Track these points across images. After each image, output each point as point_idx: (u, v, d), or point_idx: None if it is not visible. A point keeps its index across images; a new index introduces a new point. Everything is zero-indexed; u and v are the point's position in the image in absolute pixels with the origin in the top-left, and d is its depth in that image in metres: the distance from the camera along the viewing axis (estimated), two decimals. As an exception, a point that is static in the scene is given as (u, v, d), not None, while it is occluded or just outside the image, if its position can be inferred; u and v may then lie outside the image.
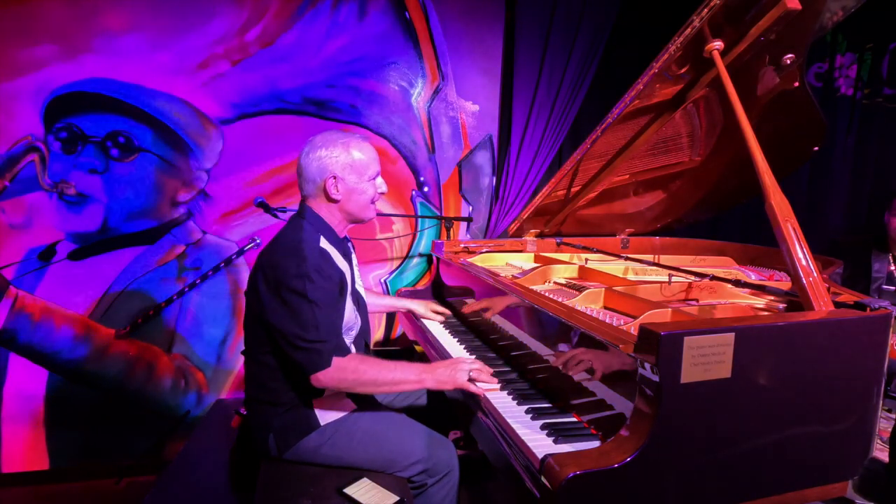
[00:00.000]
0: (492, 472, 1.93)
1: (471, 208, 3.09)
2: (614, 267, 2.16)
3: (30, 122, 2.40)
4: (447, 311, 2.23)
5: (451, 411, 1.78)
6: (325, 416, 1.56)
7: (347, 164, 1.56)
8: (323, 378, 1.43)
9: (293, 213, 1.66)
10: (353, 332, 1.66)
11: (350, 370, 1.45)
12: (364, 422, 1.58)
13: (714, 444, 1.07)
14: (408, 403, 1.93)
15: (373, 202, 1.65)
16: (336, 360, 1.43)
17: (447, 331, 2.09)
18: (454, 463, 1.57)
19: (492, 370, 1.55)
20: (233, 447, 1.80)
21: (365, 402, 1.67)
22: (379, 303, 2.21)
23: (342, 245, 1.66)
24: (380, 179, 1.65)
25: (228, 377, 2.78)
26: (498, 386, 1.50)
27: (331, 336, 1.46)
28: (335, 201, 1.59)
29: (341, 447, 1.54)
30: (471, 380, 1.49)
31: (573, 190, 2.37)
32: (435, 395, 1.92)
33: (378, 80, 2.81)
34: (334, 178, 1.56)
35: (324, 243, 1.55)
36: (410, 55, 2.85)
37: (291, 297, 1.42)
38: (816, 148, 1.98)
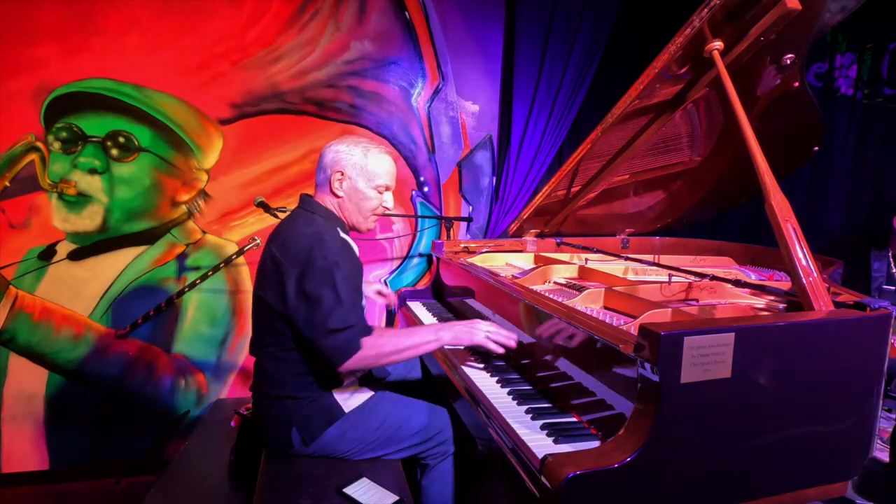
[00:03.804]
0: (491, 471, 1.93)
1: (471, 208, 3.09)
2: (614, 267, 2.16)
3: (30, 122, 2.40)
4: (392, 297, 2.16)
5: (445, 397, 1.78)
6: (348, 404, 1.59)
7: (359, 166, 1.59)
8: (349, 363, 1.44)
9: (296, 208, 1.66)
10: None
11: (370, 346, 1.46)
12: (384, 404, 1.63)
13: (714, 445, 1.07)
14: (401, 376, 1.98)
15: (374, 213, 1.65)
16: (363, 341, 1.45)
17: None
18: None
19: (513, 335, 1.56)
20: (233, 447, 1.80)
21: (380, 387, 1.72)
22: None
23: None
24: (388, 195, 1.66)
25: (228, 377, 2.78)
26: (513, 343, 1.53)
27: (358, 320, 1.47)
28: (337, 197, 1.61)
29: (364, 431, 1.57)
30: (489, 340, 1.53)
31: (573, 190, 2.37)
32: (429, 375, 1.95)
33: (378, 80, 2.81)
34: (341, 173, 1.59)
35: (342, 234, 1.58)
36: (410, 55, 2.85)
37: (322, 288, 1.43)
38: (816, 148, 1.98)
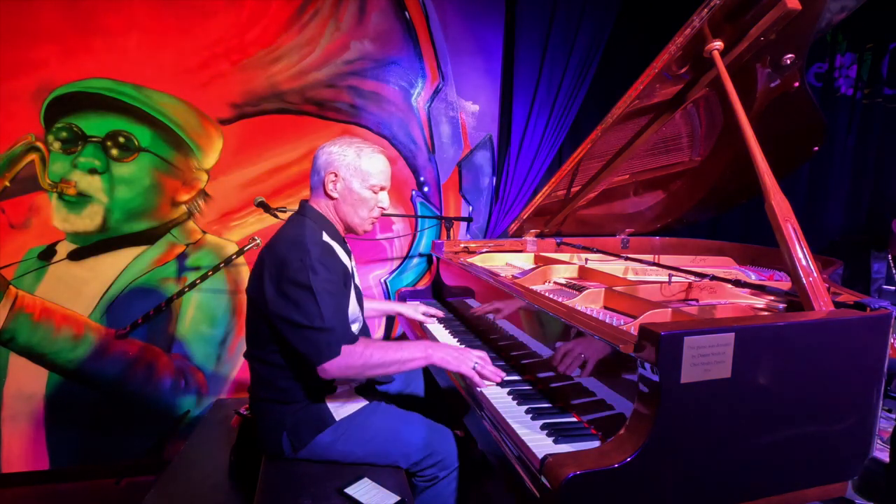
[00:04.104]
0: (492, 472, 1.93)
1: (471, 208, 3.09)
2: (614, 267, 2.16)
3: (30, 122, 2.40)
4: (439, 313, 2.18)
5: (451, 410, 1.78)
6: (339, 412, 1.57)
7: (353, 166, 1.58)
8: (330, 368, 1.41)
9: (293, 212, 1.67)
10: (357, 325, 1.67)
11: (357, 355, 1.43)
12: (378, 416, 1.60)
13: (714, 445, 1.07)
14: (405, 391, 1.95)
15: (370, 214, 1.64)
16: (344, 348, 1.42)
17: (447, 331, 2.09)
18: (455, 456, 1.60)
19: (499, 370, 1.52)
20: (233, 447, 1.80)
21: (376, 397, 1.69)
22: (368, 306, 2.13)
23: (344, 243, 1.67)
24: (383, 195, 1.65)
25: (228, 377, 2.78)
26: (498, 379, 1.49)
27: (338, 324, 1.44)
28: (332, 199, 1.60)
29: (355, 441, 1.55)
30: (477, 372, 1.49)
31: (573, 190, 2.37)
32: (433, 388, 1.94)
33: (378, 80, 2.81)
34: (335, 174, 1.58)
35: (326, 238, 1.56)
36: (410, 55, 2.85)
37: (295, 289, 1.42)
38: (816, 148, 1.98)
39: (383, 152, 1.64)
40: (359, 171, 1.59)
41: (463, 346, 1.90)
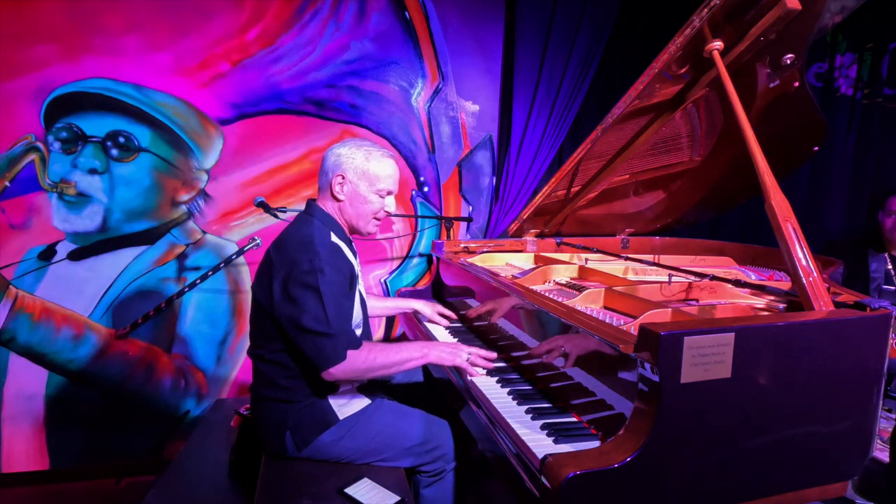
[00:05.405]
0: (491, 472, 1.94)
1: (471, 208, 3.09)
2: (614, 267, 2.16)
3: (30, 122, 2.40)
4: (453, 315, 2.17)
5: (451, 409, 1.78)
6: (343, 411, 1.58)
7: (361, 169, 1.58)
8: (335, 372, 1.44)
9: (293, 212, 1.67)
10: (359, 330, 1.67)
11: (361, 360, 1.47)
12: (381, 413, 1.62)
13: (714, 445, 1.07)
14: (403, 381, 1.99)
15: (375, 217, 1.65)
16: (349, 353, 1.45)
17: (447, 331, 2.09)
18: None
19: (492, 355, 1.63)
20: (233, 447, 1.80)
21: (378, 394, 1.71)
22: (382, 305, 2.14)
23: (351, 243, 1.67)
24: (390, 199, 1.66)
25: (228, 377, 2.78)
26: (490, 365, 1.61)
27: (343, 330, 1.47)
28: (338, 201, 1.61)
29: (359, 439, 1.56)
30: (469, 363, 1.60)
31: (573, 190, 2.37)
32: (433, 385, 1.96)
33: (378, 80, 2.81)
34: (342, 177, 1.58)
35: (334, 238, 1.57)
36: (410, 55, 2.85)
37: (304, 292, 1.43)
38: (816, 148, 1.98)
39: (392, 157, 1.64)
40: (366, 174, 1.59)
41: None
